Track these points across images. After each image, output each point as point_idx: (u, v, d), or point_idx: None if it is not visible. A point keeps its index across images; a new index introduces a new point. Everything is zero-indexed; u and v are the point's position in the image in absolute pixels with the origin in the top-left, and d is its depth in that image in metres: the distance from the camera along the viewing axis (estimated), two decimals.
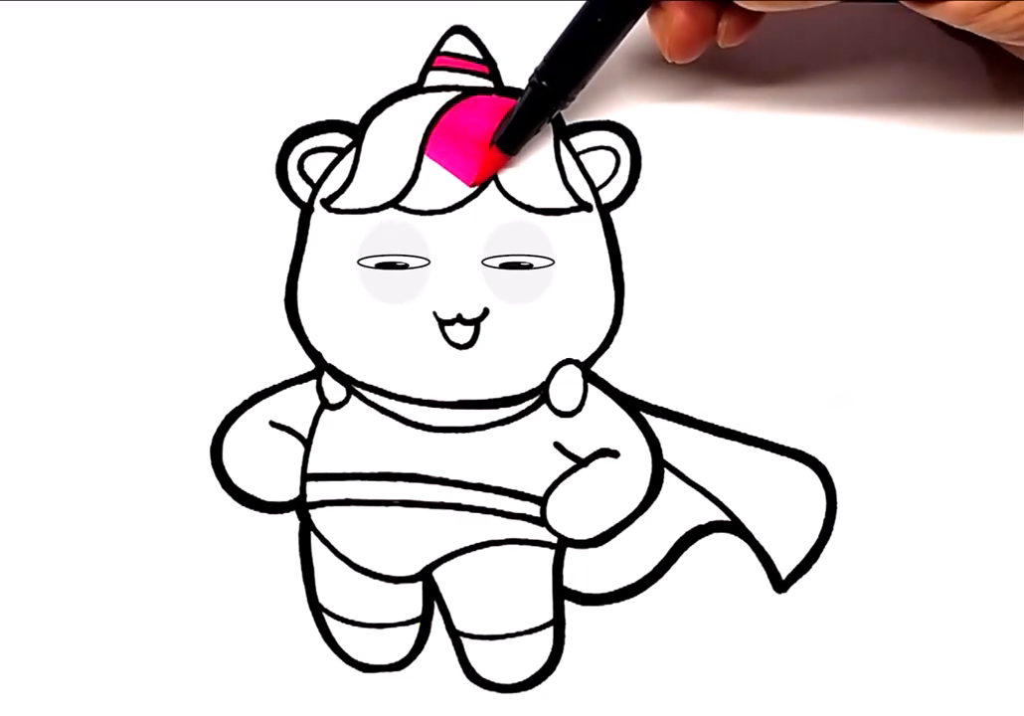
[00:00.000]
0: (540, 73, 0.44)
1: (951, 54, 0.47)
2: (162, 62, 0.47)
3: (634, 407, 0.46)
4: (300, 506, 0.45)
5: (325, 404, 0.46)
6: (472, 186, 0.46)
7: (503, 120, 0.45)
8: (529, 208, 0.46)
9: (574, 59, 0.44)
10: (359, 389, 0.46)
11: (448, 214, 0.46)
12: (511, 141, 0.45)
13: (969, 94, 0.47)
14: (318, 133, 0.47)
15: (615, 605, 0.45)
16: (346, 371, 0.46)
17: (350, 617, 0.45)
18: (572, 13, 0.45)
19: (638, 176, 0.46)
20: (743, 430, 0.45)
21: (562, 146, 0.46)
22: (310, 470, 0.45)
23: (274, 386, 0.46)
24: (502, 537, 0.45)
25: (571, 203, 0.46)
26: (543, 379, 0.46)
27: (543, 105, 0.45)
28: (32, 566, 0.45)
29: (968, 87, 0.47)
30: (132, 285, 0.46)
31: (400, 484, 0.45)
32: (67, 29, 0.48)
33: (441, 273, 0.46)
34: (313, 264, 0.46)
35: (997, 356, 0.46)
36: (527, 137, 0.45)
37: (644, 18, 0.44)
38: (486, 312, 0.46)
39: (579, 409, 0.46)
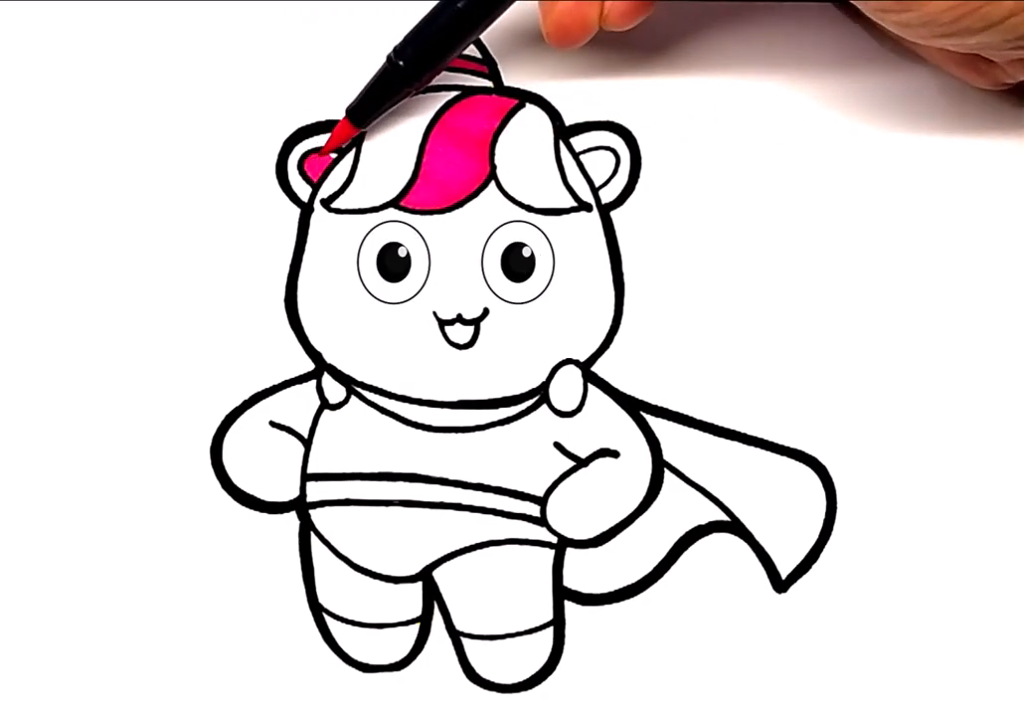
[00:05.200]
0: (397, 52, 0.44)
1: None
2: (162, 62, 0.47)
3: (634, 407, 0.46)
4: (300, 506, 0.45)
5: (325, 404, 0.46)
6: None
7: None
8: (529, 208, 0.46)
9: (432, 43, 0.44)
10: (359, 389, 0.46)
11: (448, 214, 0.46)
12: (361, 114, 0.45)
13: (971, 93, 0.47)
14: (318, 133, 0.47)
15: (615, 605, 0.45)
16: (346, 371, 0.46)
17: (350, 617, 0.45)
18: None
19: (638, 176, 0.46)
20: (743, 430, 0.45)
21: (562, 146, 0.46)
22: (310, 470, 0.45)
23: (274, 386, 0.46)
24: (502, 537, 0.45)
25: (571, 203, 0.46)
26: (543, 379, 0.46)
27: (396, 84, 0.44)
28: (32, 565, 0.45)
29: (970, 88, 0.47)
30: (132, 285, 0.46)
31: (400, 484, 0.45)
32: (67, 29, 0.47)
33: (441, 273, 0.46)
34: (313, 264, 0.46)
35: (996, 357, 0.46)
36: (379, 113, 0.45)
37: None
38: (486, 312, 0.46)
39: (579, 409, 0.46)
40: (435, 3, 0.44)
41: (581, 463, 0.45)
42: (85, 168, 0.47)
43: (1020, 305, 0.46)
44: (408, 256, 0.46)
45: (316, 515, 0.45)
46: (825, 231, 0.46)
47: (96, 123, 0.47)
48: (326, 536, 0.45)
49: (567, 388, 0.46)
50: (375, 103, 0.45)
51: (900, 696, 0.45)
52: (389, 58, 0.44)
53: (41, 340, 0.46)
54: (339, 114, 0.47)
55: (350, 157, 0.46)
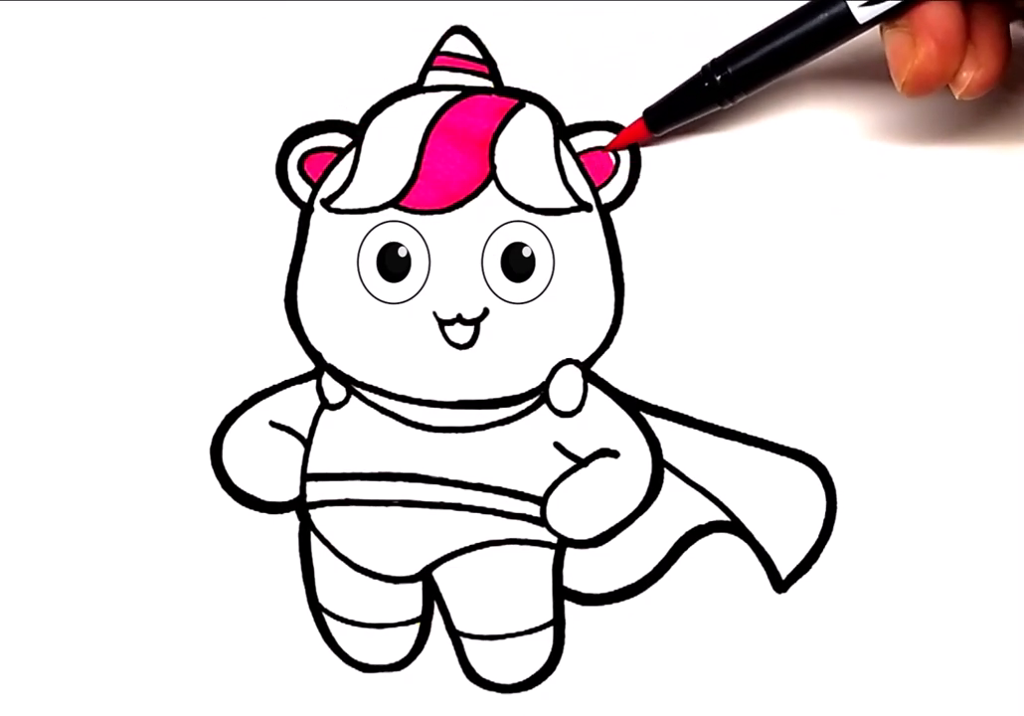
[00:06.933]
0: (715, 65, 0.43)
1: None
2: (162, 62, 0.47)
3: (634, 407, 0.46)
4: (300, 506, 0.45)
5: (325, 404, 0.46)
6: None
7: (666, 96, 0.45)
8: (529, 208, 0.46)
9: (756, 65, 0.43)
10: (359, 389, 0.46)
11: (448, 214, 0.46)
12: (658, 120, 0.45)
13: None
14: (318, 133, 0.47)
15: (615, 605, 0.45)
16: (346, 371, 0.46)
17: (350, 617, 0.45)
18: (569, 13, 0.46)
19: (638, 176, 0.46)
20: (743, 430, 0.45)
21: (562, 146, 0.46)
22: (310, 470, 0.45)
23: (274, 386, 0.46)
24: (502, 537, 0.45)
25: (571, 203, 0.46)
26: (543, 379, 0.46)
27: (705, 98, 0.44)
28: (32, 565, 0.45)
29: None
30: (132, 285, 0.46)
31: (400, 484, 0.45)
32: (67, 29, 0.47)
33: (441, 273, 0.46)
34: (313, 264, 0.46)
35: (996, 357, 0.46)
36: (677, 123, 0.45)
37: None
38: (486, 312, 0.46)
39: (579, 409, 0.46)
40: (770, 22, 0.42)
41: (581, 463, 0.45)
42: (85, 168, 0.47)
43: (1017, 308, 0.46)
44: (408, 256, 0.46)
45: (316, 515, 0.45)
46: (825, 232, 0.46)
47: (96, 123, 0.47)
48: (326, 536, 0.45)
49: (567, 388, 0.46)
50: (676, 112, 0.44)
51: (900, 695, 0.45)
52: (705, 69, 0.43)
53: (42, 340, 0.46)
54: (339, 114, 0.47)
55: (350, 157, 0.46)
